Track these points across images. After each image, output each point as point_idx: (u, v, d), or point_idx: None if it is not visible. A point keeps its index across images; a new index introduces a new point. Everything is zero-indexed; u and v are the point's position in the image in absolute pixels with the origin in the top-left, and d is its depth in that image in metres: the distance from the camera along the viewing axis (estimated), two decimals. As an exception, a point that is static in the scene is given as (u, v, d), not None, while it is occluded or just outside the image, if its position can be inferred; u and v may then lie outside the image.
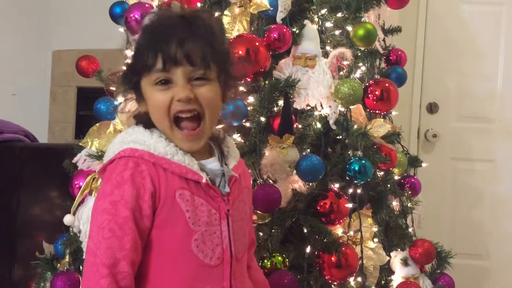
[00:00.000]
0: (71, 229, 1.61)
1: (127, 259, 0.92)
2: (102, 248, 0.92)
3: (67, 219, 1.57)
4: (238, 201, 1.05)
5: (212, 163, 1.03)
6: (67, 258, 1.63)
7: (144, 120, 1.03)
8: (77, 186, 1.63)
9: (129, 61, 1.05)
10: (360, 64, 1.75)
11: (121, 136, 1.02)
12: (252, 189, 1.18)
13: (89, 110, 1.78)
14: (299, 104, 1.60)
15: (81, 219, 1.53)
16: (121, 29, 1.75)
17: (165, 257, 0.97)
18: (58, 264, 1.67)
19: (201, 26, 1.00)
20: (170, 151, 0.98)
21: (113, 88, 1.70)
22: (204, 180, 0.98)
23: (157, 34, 0.98)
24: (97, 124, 1.68)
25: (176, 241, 0.97)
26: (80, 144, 1.67)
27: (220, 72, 1.01)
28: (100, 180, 1.49)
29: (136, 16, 1.58)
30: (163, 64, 0.96)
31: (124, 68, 1.05)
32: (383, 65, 1.98)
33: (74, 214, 1.57)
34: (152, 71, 0.97)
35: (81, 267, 1.62)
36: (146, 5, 1.61)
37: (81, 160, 1.65)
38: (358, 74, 1.73)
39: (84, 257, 1.53)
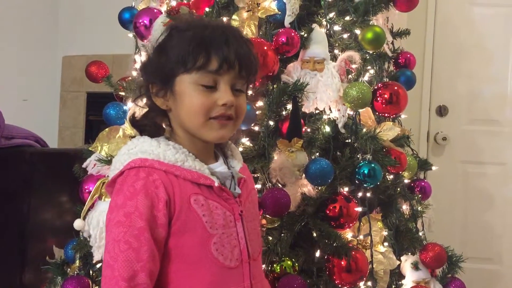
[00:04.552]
0: (81, 233, 1.62)
1: (145, 271, 0.91)
2: (120, 261, 0.91)
3: (77, 223, 1.58)
4: (249, 202, 1.07)
5: (220, 167, 1.04)
6: (77, 263, 1.63)
7: (149, 130, 1.03)
8: (87, 190, 1.63)
9: (160, 51, 1.00)
10: (369, 67, 1.74)
11: (126, 147, 1.02)
12: (257, 191, 1.19)
13: (98, 115, 1.79)
14: (307, 107, 1.60)
15: (91, 224, 1.53)
16: (130, 35, 1.76)
17: (185, 264, 0.96)
18: (68, 269, 1.68)
19: (243, 37, 1.03)
20: (180, 158, 0.98)
21: (123, 93, 1.71)
22: (216, 184, 0.99)
23: (209, 35, 0.97)
24: (107, 129, 1.68)
25: (196, 247, 0.96)
26: (90, 148, 1.68)
27: (248, 84, 1.04)
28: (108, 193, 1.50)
29: (145, 21, 1.59)
30: (218, 66, 0.96)
31: (155, 57, 1.01)
32: (392, 68, 1.97)
33: (84, 218, 1.58)
34: (201, 71, 0.96)
35: (91, 272, 1.62)
36: (155, 11, 1.62)
37: (91, 164, 1.66)
38: (366, 77, 1.73)
39: (94, 261, 1.56)
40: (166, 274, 0.96)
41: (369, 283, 1.57)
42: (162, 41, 1.02)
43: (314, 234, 1.55)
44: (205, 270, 0.97)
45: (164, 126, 1.05)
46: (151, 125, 1.03)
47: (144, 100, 1.06)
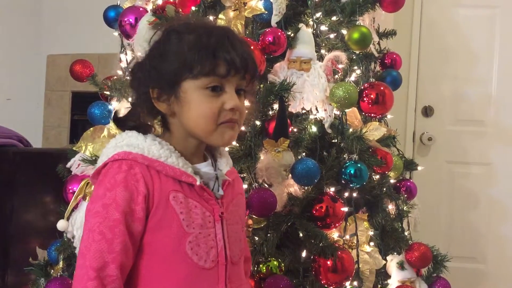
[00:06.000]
0: (64, 234, 1.60)
1: (116, 262, 0.92)
2: (92, 250, 0.92)
3: (61, 224, 1.56)
4: (232, 205, 1.06)
5: (206, 167, 1.03)
6: (60, 264, 1.62)
7: (136, 127, 1.02)
8: (71, 191, 1.62)
9: (160, 56, 0.98)
10: (355, 67, 1.75)
11: (115, 141, 1.02)
12: (245, 196, 1.18)
13: (83, 114, 1.78)
14: (294, 107, 1.59)
15: (74, 225, 1.52)
16: (116, 33, 1.75)
17: (159, 261, 0.96)
18: (52, 270, 1.66)
19: (243, 39, 1.03)
20: (164, 153, 0.98)
21: (108, 93, 1.69)
22: (198, 183, 0.98)
23: (215, 39, 0.96)
24: (91, 129, 1.67)
25: (170, 244, 0.96)
26: (74, 148, 1.66)
27: (249, 85, 1.04)
28: (92, 185, 1.49)
29: (131, 20, 1.58)
30: (226, 71, 0.96)
31: (155, 62, 0.99)
32: (378, 68, 1.98)
33: (67, 219, 1.56)
34: (210, 76, 0.96)
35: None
36: (140, 9, 1.61)
37: (75, 165, 1.64)
38: (353, 77, 1.73)
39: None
40: (139, 269, 0.96)
41: (355, 283, 1.57)
42: (161, 45, 1.00)
43: (301, 234, 1.55)
44: (178, 268, 0.97)
45: (155, 126, 1.04)
46: (137, 125, 1.03)
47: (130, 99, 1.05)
